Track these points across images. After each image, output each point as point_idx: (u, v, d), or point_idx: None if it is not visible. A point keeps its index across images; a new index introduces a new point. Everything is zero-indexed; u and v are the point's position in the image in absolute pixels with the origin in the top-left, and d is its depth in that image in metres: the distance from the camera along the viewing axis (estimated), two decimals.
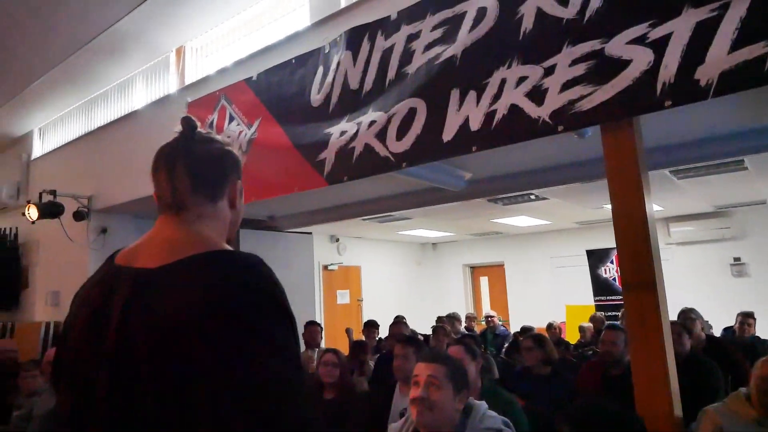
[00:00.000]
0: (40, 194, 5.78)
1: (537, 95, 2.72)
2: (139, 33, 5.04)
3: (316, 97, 3.78)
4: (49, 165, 7.01)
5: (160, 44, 5.31)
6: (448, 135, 3.05)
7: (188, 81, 5.23)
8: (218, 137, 1.22)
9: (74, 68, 5.58)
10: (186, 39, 5.32)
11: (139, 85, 5.86)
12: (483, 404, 2.27)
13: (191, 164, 1.13)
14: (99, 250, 5.92)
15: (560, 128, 2.66)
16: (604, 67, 2.51)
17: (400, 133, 3.26)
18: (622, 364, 3.78)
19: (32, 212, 5.59)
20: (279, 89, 4.04)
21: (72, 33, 4.88)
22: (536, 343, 4.14)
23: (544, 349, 4.10)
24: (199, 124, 1.18)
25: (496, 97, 2.87)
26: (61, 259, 6.45)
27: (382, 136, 3.34)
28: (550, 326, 7.07)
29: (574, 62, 2.61)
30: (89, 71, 5.73)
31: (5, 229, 7.37)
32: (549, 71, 2.69)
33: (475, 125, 2.94)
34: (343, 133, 3.55)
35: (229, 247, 1.06)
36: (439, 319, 8.65)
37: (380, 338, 6.97)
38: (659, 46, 2.37)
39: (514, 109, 2.80)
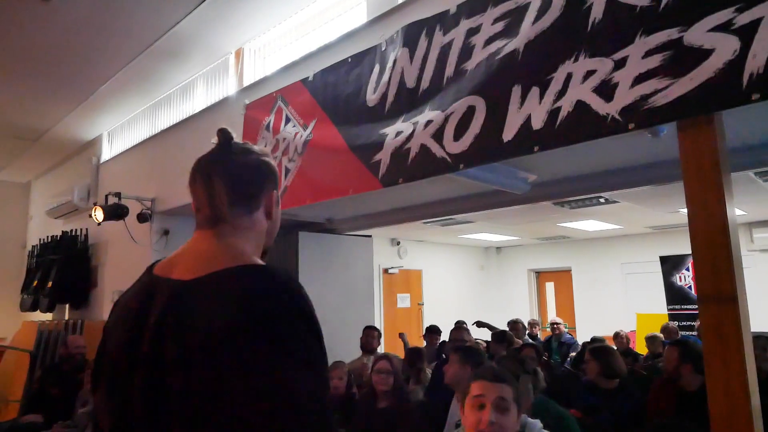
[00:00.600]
0: (106, 196, 5.94)
1: (606, 90, 2.50)
2: (199, 35, 5.08)
3: (371, 97, 3.67)
4: (117, 168, 7.21)
5: (219, 46, 5.34)
6: (508, 134, 2.87)
7: (247, 83, 5.23)
8: (255, 148, 1.24)
9: (139, 72, 5.71)
10: (245, 40, 5.33)
11: (199, 88, 5.92)
12: (537, 423, 2.10)
13: (228, 176, 1.16)
14: (161, 252, 6.02)
15: (631, 126, 2.43)
16: (683, 58, 2.27)
17: (458, 133, 3.09)
18: (699, 381, 3.53)
19: (98, 214, 5.74)
20: (334, 89, 3.96)
21: (134, 36, 4.97)
22: (594, 355, 3.92)
23: (603, 363, 3.87)
24: (234, 135, 1.21)
25: (561, 93, 2.67)
26: (126, 259, 6.62)
27: (438, 136, 3.18)
28: (617, 335, 6.72)
29: (648, 53, 2.38)
30: (153, 75, 5.84)
31: (77, 230, 7.64)
32: (620, 64, 2.47)
33: (537, 124, 2.75)
34: (398, 133, 3.42)
35: (259, 261, 1.08)
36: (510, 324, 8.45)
37: (443, 341, 6.86)
38: (746, 33, 2.11)
39: (580, 105, 2.59)
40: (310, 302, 1.00)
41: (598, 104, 2.53)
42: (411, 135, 3.33)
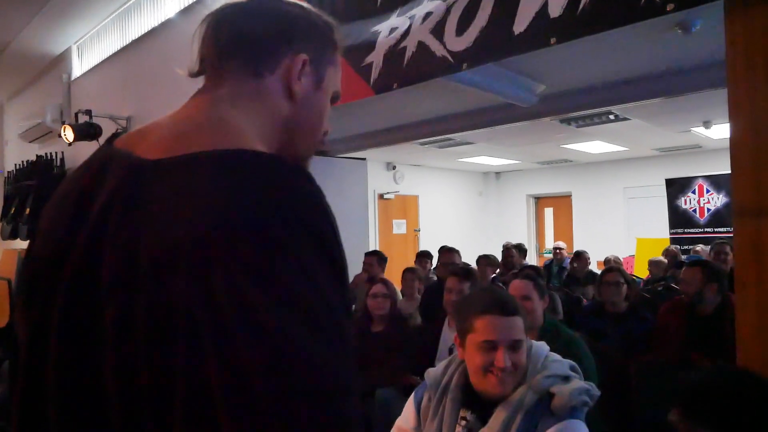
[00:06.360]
0: (76, 115, 5.50)
1: None
2: None
3: None
4: (89, 85, 6.68)
5: None
6: (520, 26, 2.47)
7: None
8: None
9: None
10: None
11: None
12: (542, 346, 1.77)
13: (232, 16, 0.82)
14: None
15: (670, 7, 2.03)
16: None
17: (461, 27, 2.69)
18: (713, 303, 3.33)
19: (68, 134, 5.32)
20: None
21: None
22: (624, 277, 3.67)
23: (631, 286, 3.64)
24: None
25: None
26: None
27: (438, 31, 2.78)
28: (607, 261, 6.46)
29: None
30: None
31: (52, 153, 7.21)
32: None
33: (555, 11, 2.35)
34: (392, 30, 3.00)
35: (259, 149, 0.71)
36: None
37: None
38: None
39: None
40: (324, 211, 0.65)
41: None
42: (407, 31, 2.92)
